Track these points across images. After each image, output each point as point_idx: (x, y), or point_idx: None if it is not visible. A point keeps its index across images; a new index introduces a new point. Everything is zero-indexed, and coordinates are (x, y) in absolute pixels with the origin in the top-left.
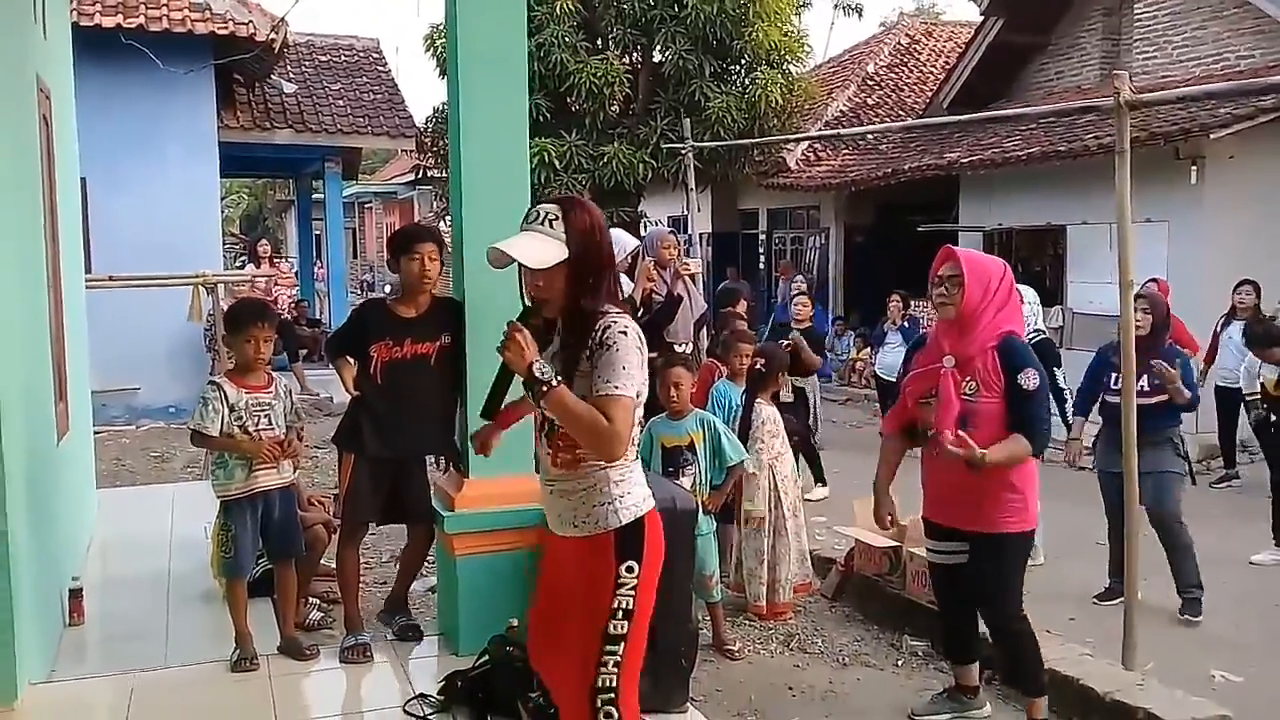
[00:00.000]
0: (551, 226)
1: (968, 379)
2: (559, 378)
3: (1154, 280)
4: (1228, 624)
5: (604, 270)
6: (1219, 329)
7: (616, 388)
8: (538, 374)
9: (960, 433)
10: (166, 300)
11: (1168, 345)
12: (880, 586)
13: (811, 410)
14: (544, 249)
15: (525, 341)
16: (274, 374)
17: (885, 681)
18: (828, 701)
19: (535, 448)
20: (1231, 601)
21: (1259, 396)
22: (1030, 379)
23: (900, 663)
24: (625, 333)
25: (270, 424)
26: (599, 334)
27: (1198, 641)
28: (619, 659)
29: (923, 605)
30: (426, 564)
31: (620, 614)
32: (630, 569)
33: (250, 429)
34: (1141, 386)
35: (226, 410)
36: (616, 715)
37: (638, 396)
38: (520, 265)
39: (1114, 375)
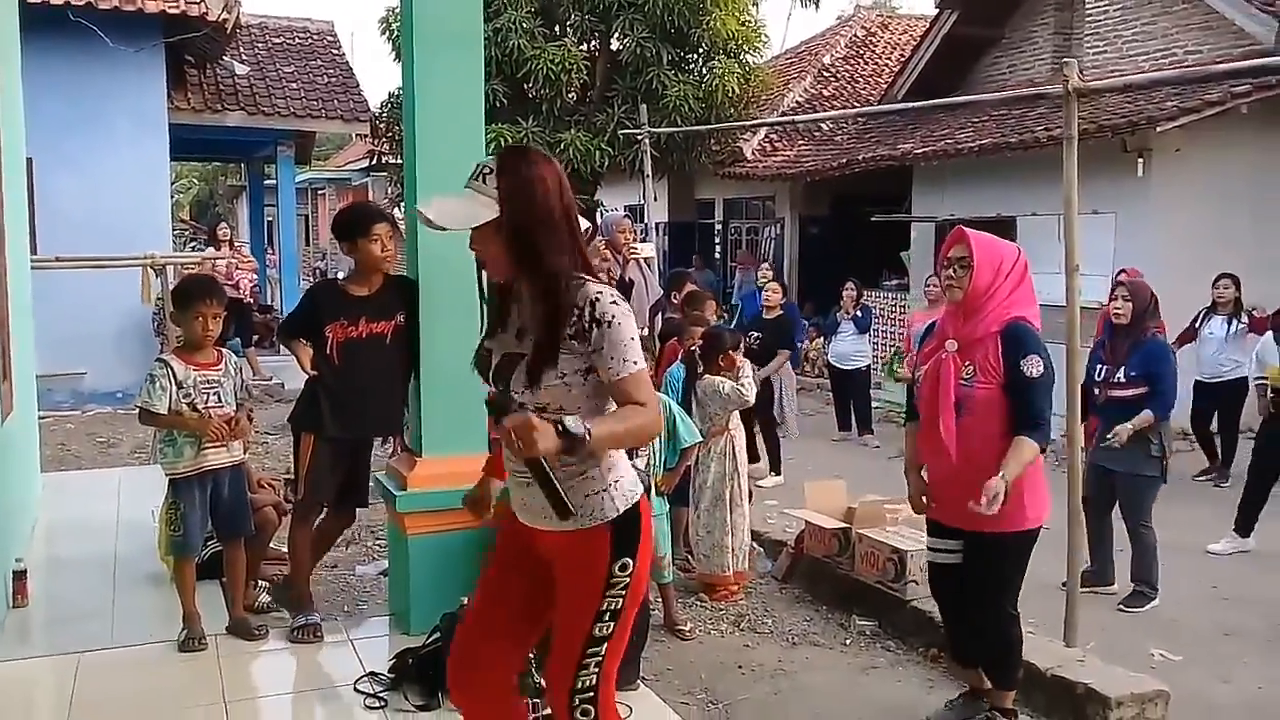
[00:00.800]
0: (485, 182)
1: (966, 363)
2: (587, 427)
3: (1124, 271)
4: (1169, 607)
5: (552, 229)
6: (1198, 323)
7: (636, 363)
8: (573, 431)
9: (987, 497)
10: (114, 283)
11: (1152, 336)
12: (830, 568)
13: (777, 400)
14: (467, 208)
15: (535, 422)
16: (223, 351)
17: (833, 660)
18: (776, 679)
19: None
20: (1174, 586)
21: (1266, 384)
22: (1034, 366)
23: (848, 642)
24: (616, 303)
25: (219, 401)
26: (587, 309)
27: (1139, 623)
28: (601, 659)
29: (871, 586)
30: (379, 547)
31: (608, 615)
32: (625, 566)
33: (199, 406)
34: (1118, 378)
35: (174, 388)
36: (594, 713)
37: None
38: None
39: (1099, 367)
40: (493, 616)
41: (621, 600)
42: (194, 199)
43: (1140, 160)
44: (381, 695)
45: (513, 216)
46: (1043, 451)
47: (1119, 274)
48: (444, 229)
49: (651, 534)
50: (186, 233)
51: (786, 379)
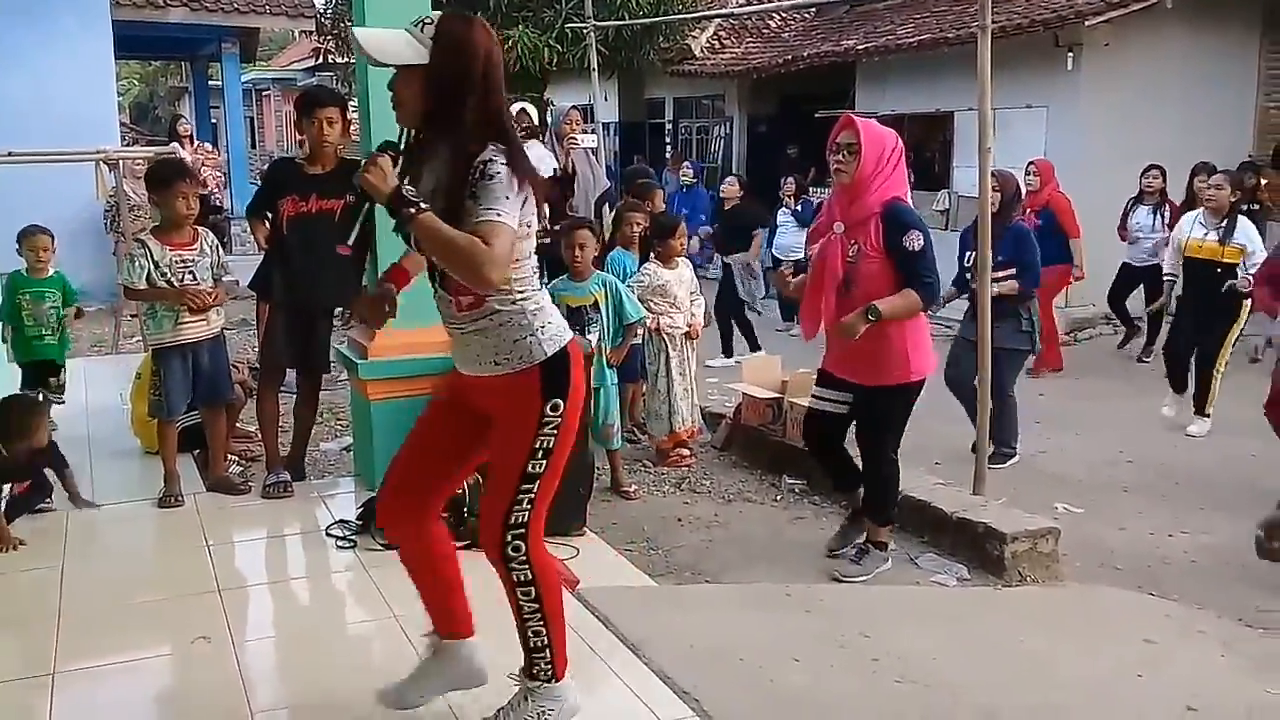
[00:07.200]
0: (422, 30)
1: (852, 242)
2: (425, 202)
3: (1032, 163)
4: (1078, 469)
5: (473, 94)
6: (1129, 209)
7: (498, 215)
8: (405, 194)
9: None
10: (65, 181)
11: (1015, 222)
12: (764, 435)
13: (742, 285)
14: (397, 46)
15: (386, 166)
16: (200, 230)
17: (764, 513)
18: (711, 529)
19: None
20: (1084, 450)
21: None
22: (914, 240)
23: (779, 498)
24: (507, 164)
25: (195, 280)
26: (479, 168)
27: (1047, 482)
28: (533, 496)
29: (800, 449)
30: (341, 426)
31: (541, 453)
32: (555, 407)
33: (175, 284)
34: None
35: (152, 266)
36: (524, 548)
37: (519, 229)
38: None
39: (969, 253)
40: (422, 451)
41: (553, 439)
42: (133, 101)
43: (1070, 55)
44: (351, 538)
45: (437, 67)
46: (928, 310)
47: (1029, 165)
48: (377, 62)
49: (583, 381)
50: (128, 136)
51: (747, 267)
